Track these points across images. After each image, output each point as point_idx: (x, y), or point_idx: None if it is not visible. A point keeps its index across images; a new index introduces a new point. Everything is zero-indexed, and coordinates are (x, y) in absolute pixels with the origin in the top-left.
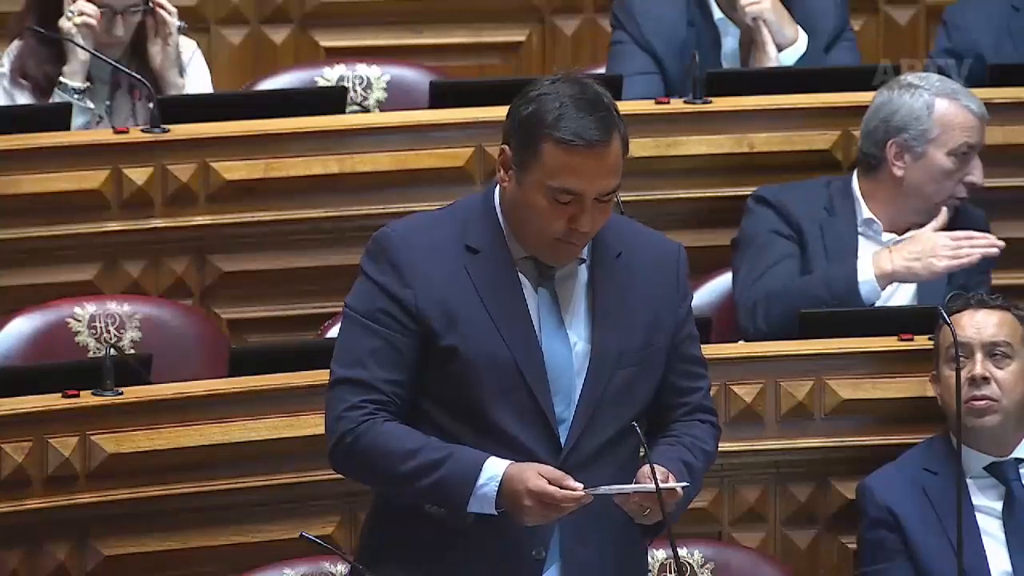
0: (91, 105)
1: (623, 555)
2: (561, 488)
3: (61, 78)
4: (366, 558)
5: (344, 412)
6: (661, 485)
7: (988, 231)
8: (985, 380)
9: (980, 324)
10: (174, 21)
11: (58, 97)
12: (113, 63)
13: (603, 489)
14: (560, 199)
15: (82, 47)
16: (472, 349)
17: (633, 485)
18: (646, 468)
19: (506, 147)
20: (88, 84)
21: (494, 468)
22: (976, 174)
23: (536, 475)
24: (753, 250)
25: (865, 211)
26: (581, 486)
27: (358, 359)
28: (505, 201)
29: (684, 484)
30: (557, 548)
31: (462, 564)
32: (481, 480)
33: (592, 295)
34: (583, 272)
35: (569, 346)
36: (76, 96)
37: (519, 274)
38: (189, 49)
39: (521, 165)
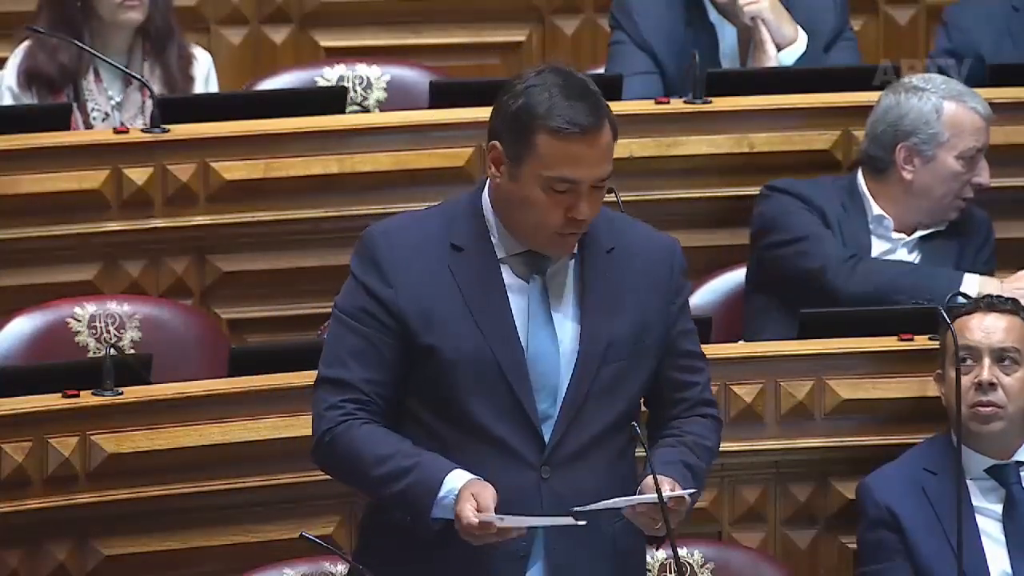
0: (117, 99)
1: (617, 556)
2: (480, 521)
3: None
4: (363, 557)
5: (324, 411)
6: (666, 494)
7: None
8: (992, 386)
9: (989, 328)
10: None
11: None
12: (119, 66)
13: (601, 504)
14: (557, 188)
15: (86, 49)
16: (452, 348)
17: (636, 497)
18: (650, 480)
19: (496, 143)
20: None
21: (454, 481)
22: (983, 175)
23: (470, 498)
24: (794, 224)
25: (875, 208)
26: (506, 519)
27: (340, 359)
28: (498, 198)
29: (691, 491)
30: (541, 546)
31: (449, 563)
32: (442, 492)
33: (581, 290)
34: (572, 267)
35: (556, 342)
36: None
37: (504, 271)
38: (205, 64)
39: (515, 159)
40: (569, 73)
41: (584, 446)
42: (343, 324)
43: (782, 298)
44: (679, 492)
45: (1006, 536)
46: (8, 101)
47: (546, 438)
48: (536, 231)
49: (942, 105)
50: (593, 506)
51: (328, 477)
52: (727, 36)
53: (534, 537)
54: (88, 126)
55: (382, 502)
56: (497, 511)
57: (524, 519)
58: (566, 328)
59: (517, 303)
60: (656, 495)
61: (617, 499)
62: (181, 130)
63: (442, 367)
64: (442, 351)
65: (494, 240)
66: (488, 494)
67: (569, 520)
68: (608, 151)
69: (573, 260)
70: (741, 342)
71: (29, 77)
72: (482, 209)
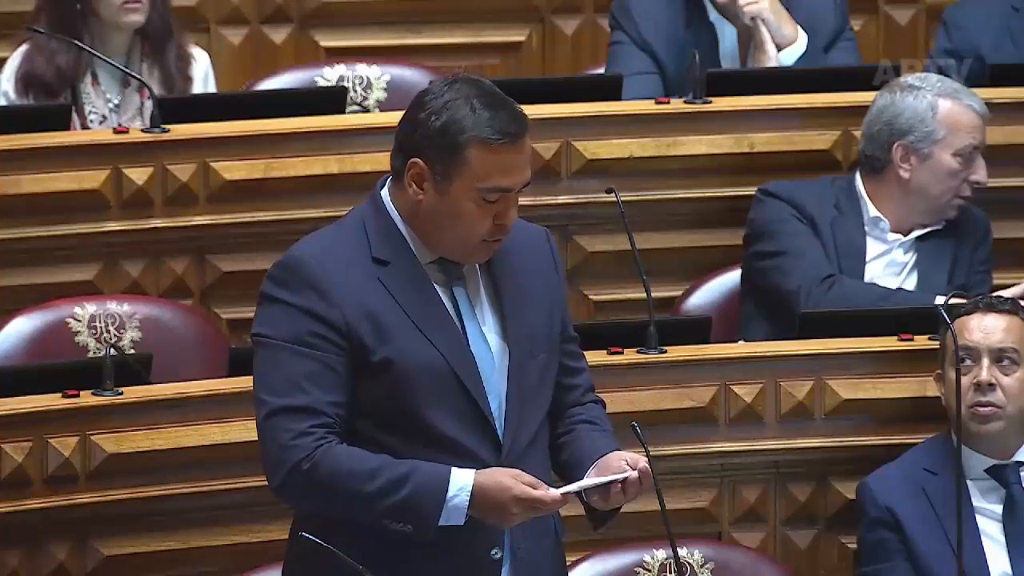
0: (115, 101)
1: (556, 551)
2: (543, 492)
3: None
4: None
5: (293, 440)
6: (640, 465)
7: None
8: (991, 386)
9: (988, 329)
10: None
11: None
12: (119, 66)
13: (575, 486)
14: (488, 199)
15: (85, 48)
16: (406, 358)
17: (610, 476)
18: (612, 457)
19: (419, 160)
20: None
21: (461, 479)
22: (980, 173)
23: (516, 482)
24: (779, 236)
25: (872, 210)
26: (575, 484)
27: (296, 385)
28: (417, 213)
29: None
30: (509, 547)
31: (423, 570)
32: (451, 492)
33: (494, 289)
34: (479, 268)
35: (487, 344)
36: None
37: (431, 280)
38: (203, 63)
39: (443, 175)
40: (480, 81)
41: (528, 442)
42: (287, 351)
43: (764, 302)
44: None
45: (1006, 536)
46: (2, 103)
47: (501, 439)
48: (464, 242)
49: (937, 103)
50: (576, 485)
51: None
52: (727, 36)
53: (503, 538)
54: (85, 129)
55: (379, 517)
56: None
57: (583, 482)
58: (491, 328)
59: (448, 309)
60: (627, 472)
61: (592, 479)
62: (181, 130)
63: (397, 378)
64: (398, 362)
65: (414, 250)
66: (525, 475)
67: (627, 474)
68: (530, 155)
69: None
70: (741, 342)
71: (27, 82)
72: (393, 221)
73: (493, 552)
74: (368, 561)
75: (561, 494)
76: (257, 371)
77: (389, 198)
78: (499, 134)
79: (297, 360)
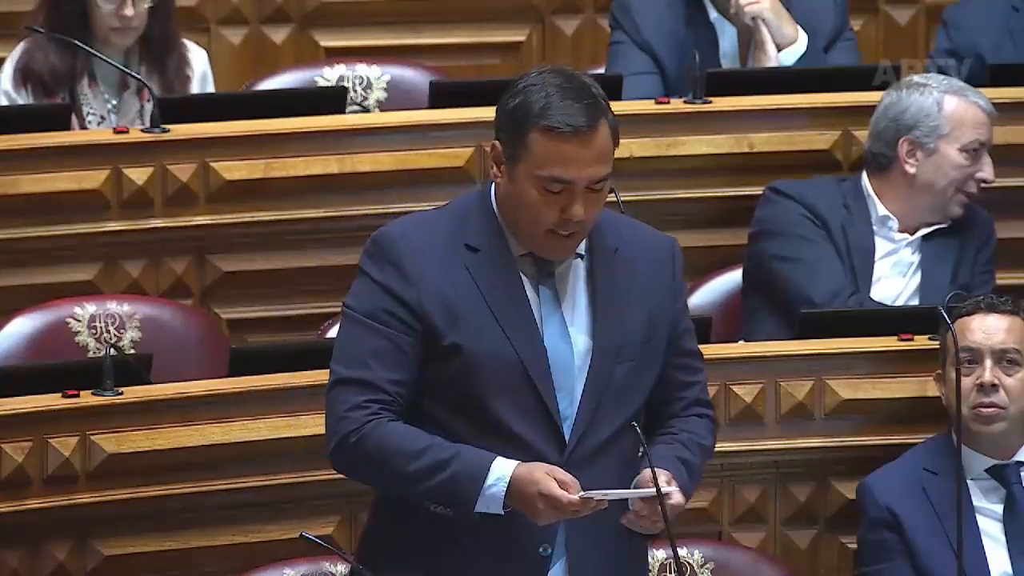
0: (114, 102)
1: (626, 551)
2: (570, 493)
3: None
4: (369, 554)
5: (347, 412)
6: (662, 489)
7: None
8: (994, 387)
9: (990, 329)
10: None
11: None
12: (119, 66)
13: (600, 493)
14: (551, 189)
15: (86, 48)
16: (476, 347)
17: (633, 490)
18: (647, 473)
19: (497, 142)
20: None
21: (501, 469)
22: (987, 170)
23: (546, 477)
24: (796, 241)
25: (880, 209)
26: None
27: (361, 359)
28: (500, 197)
29: (680, 494)
30: (562, 544)
31: (469, 560)
32: (489, 481)
33: (592, 290)
34: (581, 267)
35: (571, 343)
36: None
37: (520, 272)
38: (201, 61)
39: (512, 158)
40: (571, 75)
41: (600, 445)
42: (361, 325)
43: (773, 301)
44: (673, 488)
45: (1007, 536)
46: (4, 102)
47: (566, 437)
48: (532, 231)
49: (943, 99)
50: (595, 493)
51: (328, 477)
52: (727, 36)
53: (555, 536)
54: (84, 130)
55: (420, 497)
56: None
57: (610, 492)
58: (579, 328)
59: (532, 303)
60: (654, 490)
61: (616, 490)
62: (181, 130)
63: (466, 366)
64: (467, 350)
65: (508, 241)
66: (560, 471)
67: (650, 492)
68: (604, 153)
69: (582, 261)
70: (741, 342)
71: (24, 75)
72: (493, 209)
73: (542, 548)
74: (420, 546)
75: (580, 498)
76: (336, 340)
77: (493, 186)
78: (560, 123)
79: (367, 334)
